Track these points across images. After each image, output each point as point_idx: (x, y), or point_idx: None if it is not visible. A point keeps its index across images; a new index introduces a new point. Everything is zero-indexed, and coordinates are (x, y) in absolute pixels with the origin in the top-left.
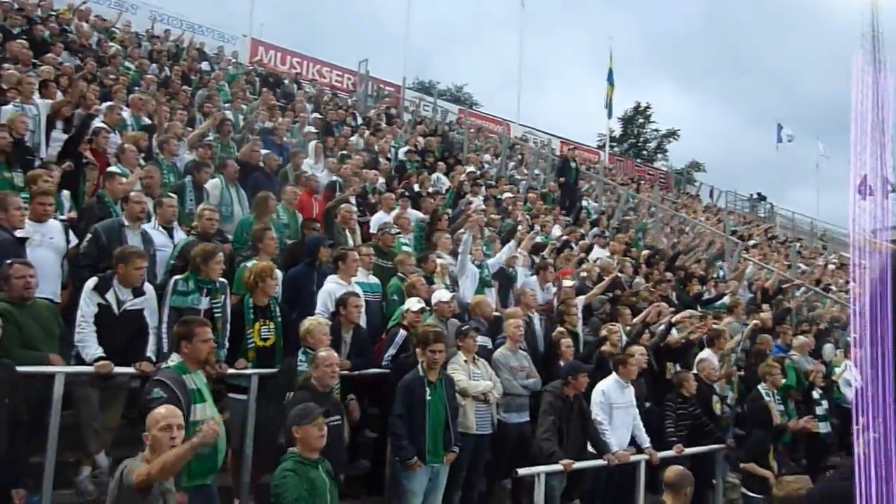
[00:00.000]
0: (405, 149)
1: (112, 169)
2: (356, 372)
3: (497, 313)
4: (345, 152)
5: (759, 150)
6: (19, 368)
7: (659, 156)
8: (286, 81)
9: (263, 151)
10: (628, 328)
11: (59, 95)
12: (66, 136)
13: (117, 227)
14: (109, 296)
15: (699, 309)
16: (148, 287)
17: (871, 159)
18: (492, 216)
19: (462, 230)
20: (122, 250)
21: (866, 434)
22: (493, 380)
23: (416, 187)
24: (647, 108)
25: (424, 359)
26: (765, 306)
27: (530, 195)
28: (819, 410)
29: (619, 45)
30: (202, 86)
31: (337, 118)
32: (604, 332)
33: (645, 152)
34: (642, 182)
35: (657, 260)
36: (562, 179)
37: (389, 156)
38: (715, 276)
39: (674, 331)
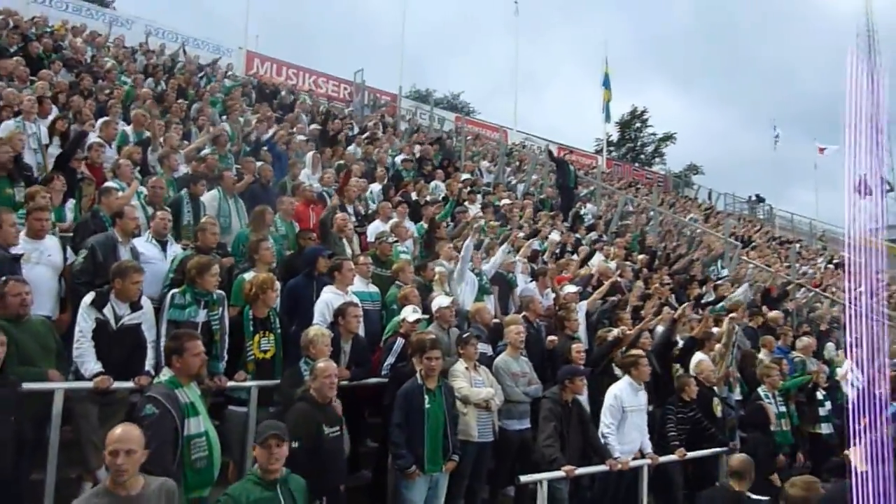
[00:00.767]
0: (402, 157)
1: (109, 184)
2: (355, 382)
3: (496, 320)
4: (342, 162)
5: (757, 150)
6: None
7: (656, 160)
8: (283, 93)
9: (258, 163)
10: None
11: (55, 111)
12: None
13: (112, 243)
14: (107, 311)
15: (699, 312)
16: (145, 301)
17: (867, 158)
18: (491, 223)
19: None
20: (118, 265)
21: (870, 433)
22: (495, 387)
23: (414, 195)
24: (644, 112)
25: (421, 367)
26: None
27: (526, 202)
28: (822, 411)
29: (613, 48)
30: (198, 99)
31: (334, 129)
32: (615, 334)
33: (642, 156)
34: (640, 186)
35: (660, 264)
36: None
37: (387, 165)
38: (716, 277)
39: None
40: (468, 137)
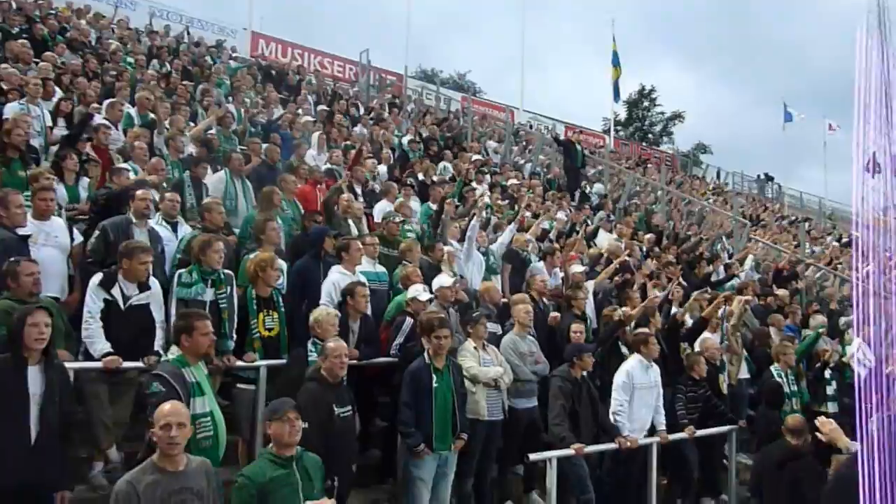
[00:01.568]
0: (408, 138)
1: (121, 165)
2: (364, 361)
3: (504, 300)
4: (348, 143)
5: (766, 129)
6: None
7: (665, 139)
8: (289, 73)
9: (264, 145)
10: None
11: (59, 93)
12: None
13: (125, 224)
14: (115, 291)
15: (709, 291)
16: (153, 282)
17: (876, 136)
18: (498, 202)
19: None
20: (126, 245)
21: (879, 411)
22: (504, 366)
23: (420, 175)
24: (652, 90)
25: (430, 345)
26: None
27: (535, 182)
28: (829, 390)
29: (621, 25)
30: (204, 80)
31: (340, 109)
32: (620, 313)
33: (651, 135)
34: (649, 165)
35: (668, 244)
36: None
37: (393, 145)
38: (727, 254)
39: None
40: (475, 118)
